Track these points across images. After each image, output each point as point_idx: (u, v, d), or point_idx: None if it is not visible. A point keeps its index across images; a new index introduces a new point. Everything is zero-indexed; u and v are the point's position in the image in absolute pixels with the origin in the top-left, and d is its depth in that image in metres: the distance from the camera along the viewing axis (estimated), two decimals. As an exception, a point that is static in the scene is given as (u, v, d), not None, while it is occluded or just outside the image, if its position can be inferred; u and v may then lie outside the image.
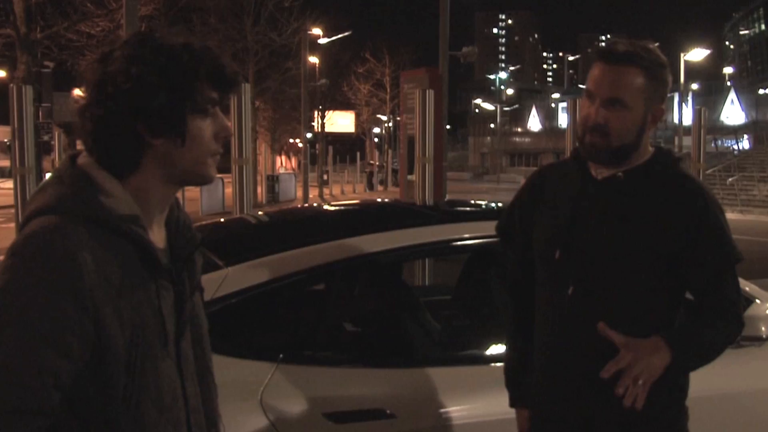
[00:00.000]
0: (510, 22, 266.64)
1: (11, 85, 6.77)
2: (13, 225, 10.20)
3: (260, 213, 3.54)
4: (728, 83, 77.63)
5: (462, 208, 3.73)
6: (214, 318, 1.64)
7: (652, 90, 1.83)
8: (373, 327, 3.06)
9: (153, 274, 1.27)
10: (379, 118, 52.73)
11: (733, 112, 60.51)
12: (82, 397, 1.19)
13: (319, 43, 32.34)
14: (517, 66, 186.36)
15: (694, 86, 61.65)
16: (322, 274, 2.66)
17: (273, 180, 27.87)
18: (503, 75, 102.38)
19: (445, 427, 2.38)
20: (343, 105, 48.42)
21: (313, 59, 32.46)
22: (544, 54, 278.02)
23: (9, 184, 11.22)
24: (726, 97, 63.24)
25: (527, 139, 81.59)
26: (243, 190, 5.59)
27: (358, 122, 52.25)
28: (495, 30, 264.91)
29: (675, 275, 1.86)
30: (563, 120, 69.03)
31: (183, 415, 1.34)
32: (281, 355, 2.35)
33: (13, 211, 7.58)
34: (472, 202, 3.88)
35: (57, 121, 21.30)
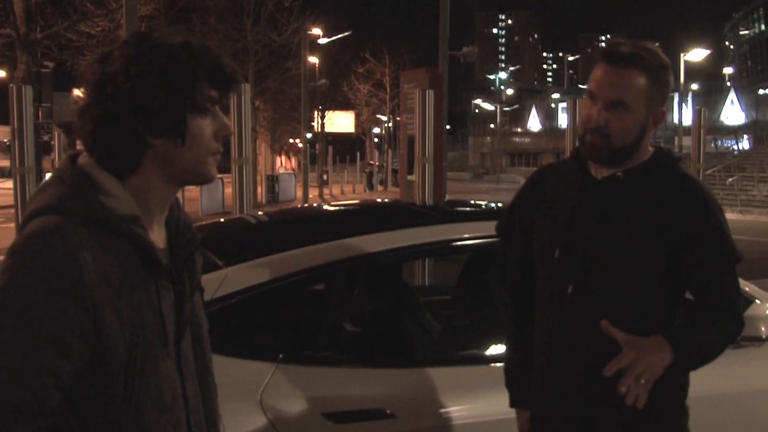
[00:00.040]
0: (510, 22, 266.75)
1: (11, 85, 6.77)
2: (13, 225, 10.21)
3: (260, 213, 3.54)
4: (728, 83, 77.71)
5: (462, 208, 3.73)
6: (214, 318, 1.63)
7: (654, 92, 1.83)
8: (373, 327, 3.06)
9: (153, 274, 1.27)
10: (379, 118, 52.73)
11: (733, 112, 60.54)
12: (82, 397, 1.19)
13: (319, 43, 32.35)
14: (517, 66, 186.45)
15: (694, 86, 61.71)
16: (322, 274, 2.66)
17: (273, 180, 27.87)
18: (503, 75, 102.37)
19: (445, 427, 2.38)
20: (343, 105, 48.42)
21: (313, 59, 32.46)
22: (544, 54, 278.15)
23: (9, 184, 11.21)
24: (726, 97, 63.28)
25: (527, 139, 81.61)
26: (243, 190, 5.59)
27: (358, 122, 52.25)
28: (495, 30, 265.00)
29: (675, 275, 1.86)
30: (563, 120, 69.01)
31: (183, 415, 1.34)
32: (281, 355, 2.34)
33: (13, 211, 7.58)
34: (472, 202, 3.88)
35: (57, 121, 21.31)
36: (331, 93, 41.03)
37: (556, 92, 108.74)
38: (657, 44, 1.92)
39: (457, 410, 2.40)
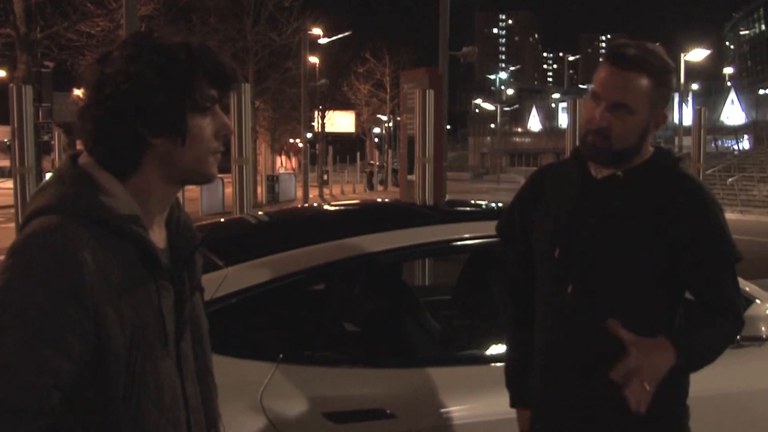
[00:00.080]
0: (510, 22, 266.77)
1: (11, 85, 6.78)
2: (13, 225, 10.21)
3: (260, 213, 3.54)
4: (728, 83, 77.70)
5: (462, 208, 3.73)
6: (214, 318, 1.63)
7: (657, 96, 1.83)
8: (373, 327, 3.06)
9: (153, 274, 1.27)
10: (379, 118, 52.72)
11: (733, 112, 60.57)
12: (82, 397, 1.19)
13: (319, 43, 32.34)
14: (517, 66, 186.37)
15: (694, 86, 61.70)
16: (322, 274, 2.66)
17: (273, 180, 27.87)
18: (503, 75, 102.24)
19: (445, 427, 2.38)
20: (343, 105, 48.42)
21: (313, 59, 32.43)
22: (544, 54, 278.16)
23: (9, 184, 11.21)
24: (726, 98, 63.31)
25: (527, 139, 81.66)
26: (243, 190, 5.60)
27: (358, 122, 52.25)
28: (495, 30, 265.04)
29: (675, 275, 1.86)
30: (563, 120, 69.05)
31: (183, 415, 1.34)
32: (281, 355, 2.35)
33: (13, 211, 7.59)
34: (472, 202, 3.88)
35: (57, 121, 21.32)
36: (331, 93, 41.03)
37: (557, 92, 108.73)
38: (657, 44, 1.92)
39: (457, 410, 2.40)
